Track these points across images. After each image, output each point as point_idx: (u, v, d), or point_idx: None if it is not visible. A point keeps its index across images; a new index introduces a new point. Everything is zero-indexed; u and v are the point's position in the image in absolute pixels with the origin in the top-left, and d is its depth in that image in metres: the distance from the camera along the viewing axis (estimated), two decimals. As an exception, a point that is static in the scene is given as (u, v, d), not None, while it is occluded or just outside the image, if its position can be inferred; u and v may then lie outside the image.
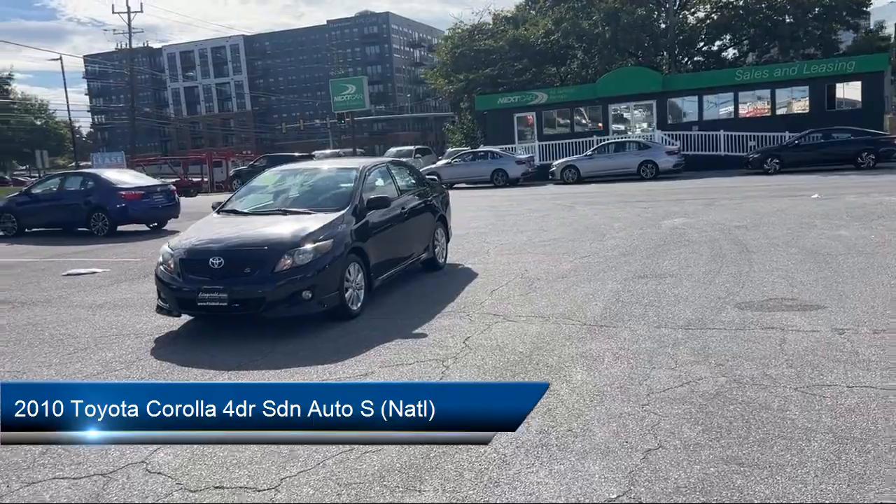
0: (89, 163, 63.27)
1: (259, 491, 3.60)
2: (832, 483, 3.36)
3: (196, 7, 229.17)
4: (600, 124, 32.26)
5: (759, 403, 4.37)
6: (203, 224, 7.65)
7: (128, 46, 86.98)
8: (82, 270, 11.10)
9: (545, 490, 3.46)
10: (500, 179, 28.47)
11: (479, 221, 15.37)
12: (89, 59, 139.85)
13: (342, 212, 7.33)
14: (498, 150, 30.08)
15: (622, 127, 32.41)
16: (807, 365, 5.01)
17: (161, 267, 6.92)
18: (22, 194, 18.18)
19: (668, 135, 29.90)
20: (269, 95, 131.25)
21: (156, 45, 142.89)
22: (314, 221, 7.08)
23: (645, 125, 31.77)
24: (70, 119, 60.21)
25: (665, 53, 38.94)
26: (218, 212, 7.93)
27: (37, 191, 17.90)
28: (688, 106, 31.32)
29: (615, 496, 3.37)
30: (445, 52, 44.72)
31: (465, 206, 19.63)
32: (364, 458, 3.86)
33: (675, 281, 8.08)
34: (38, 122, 71.08)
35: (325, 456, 3.90)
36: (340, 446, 3.86)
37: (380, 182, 8.39)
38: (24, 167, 78.43)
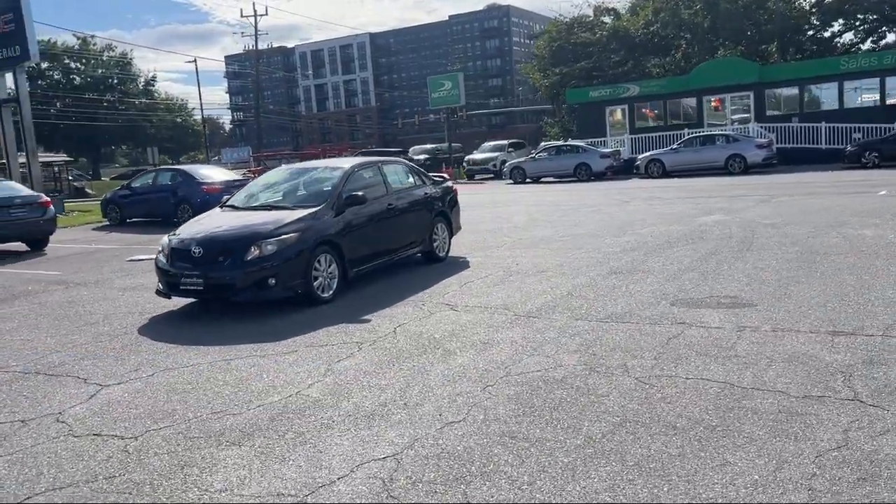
0: (218, 157, 67.85)
1: None
2: (573, 459, 3.73)
3: (333, 6, 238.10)
4: (694, 117, 31.43)
5: (589, 389, 4.74)
6: (203, 217, 8.66)
7: (268, 46, 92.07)
8: (143, 257, 12.49)
9: (335, 448, 4.05)
10: (583, 173, 28.47)
11: (523, 216, 15.78)
12: (230, 60, 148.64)
13: (317, 208, 8.10)
14: (582, 143, 30.03)
15: (717, 119, 31.43)
16: (672, 358, 5.28)
17: (159, 254, 7.96)
18: (123, 188, 20.27)
19: (766, 127, 28.80)
20: (391, 91, 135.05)
21: (290, 45, 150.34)
22: (288, 216, 7.90)
23: (741, 117, 30.66)
24: (203, 117, 64.82)
25: (775, 42, 37.16)
26: (221, 206, 8.91)
27: (136, 185, 19.89)
28: (787, 97, 29.97)
29: (383, 455, 3.92)
30: (543, 47, 44.77)
31: (526, 201, 20.01)
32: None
33: (642, 276, 8.30)
34: (178, 120, 76.52)
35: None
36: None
37: (368, 180, 9.09)
38: (171, 161, 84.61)
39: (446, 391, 4.89)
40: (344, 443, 4.14)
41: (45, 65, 71.55)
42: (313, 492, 3.56)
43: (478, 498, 3.39)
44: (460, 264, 9.94)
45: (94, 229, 19.41)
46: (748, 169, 25.62)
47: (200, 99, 72.51)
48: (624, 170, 29.04)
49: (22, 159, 24.20)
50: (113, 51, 73.07)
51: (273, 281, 7.39)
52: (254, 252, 7.38)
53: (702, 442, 3.84)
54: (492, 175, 35.65)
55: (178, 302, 8.25)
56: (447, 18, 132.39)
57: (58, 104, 69.43)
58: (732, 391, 4.55)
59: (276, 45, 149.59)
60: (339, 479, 3.68)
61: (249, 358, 6.02)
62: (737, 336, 5.72)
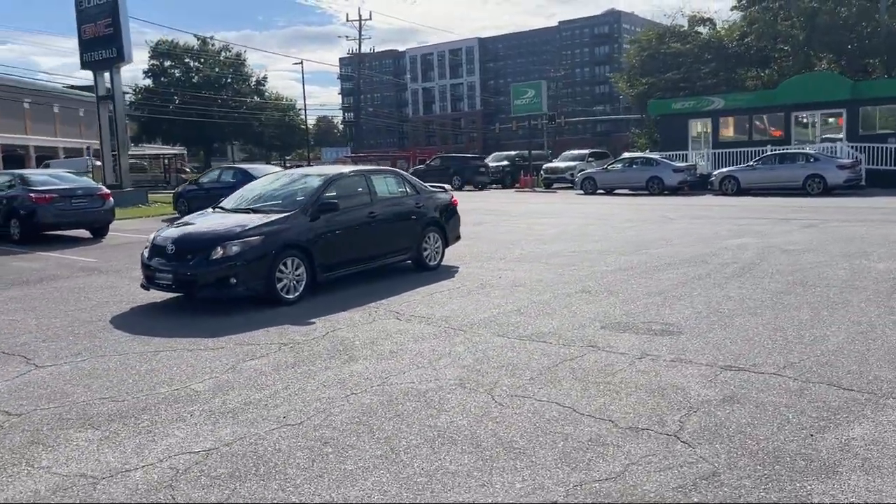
0: (319, 157, 70.30)
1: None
2: (358, 467, 3.96)
3: (457, 6, 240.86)
4: (780, 132, 30.13)
5: (438, 404, 4.91)
6: (193, 216, 9.31)
7: (370, 51, 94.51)
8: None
9: (168, 439, 4.44)
10: (655, 187, 27.88)
11: (555, 229, 15.78)
12: (344, 62, 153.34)
13: (288, 213, 8.57)
14: (657, 156, 29.40)
15: (806, 136, 30.00)
16: (546, 380, 5.37)
17: (144, 250, 8.64)
18: (191, 183, 21.59)
19: (857, 147, 27.29)
20: (497, 96, 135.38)
21: (402, 48, 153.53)
22: (258, 220, 8.40)
23: (831, 136, 29.13)
24: (305, 117, 67.46)
25: (881, 57, 34.95)
26: (213, 208, 9.52)
27: (203, 180, 21.16)
28: (884, 114, 28.25)
29: (199, 450, 4.27)
30: (634, 55, 43.91)
31: (575, 213, 19.90)
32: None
33: (605, 297, 8.30)
34: (286, 119, 79.77)
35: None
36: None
37: (350, 189, 9.49)
38: (288, 158, 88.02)
39: (312, 396, 5.19)
40: (179, 435, 4.51)
41: (167, 63, 76.25)
42: (110, 477, 3.94)
43: (238, 496, 3.68)
44: (445, 274, 10.17)
45: (163, 220, 20.77)
46: (829, 190, 24.40)
47: (304, 100, 75.78)
48: (699, 185, 28.24)
49: (136, 150, 26.09)
50: (229, 51, 76.97)
51: (234, 280, 7.89)
52: (218, 252, 7.91)
53: (487, 461, 3.98)
54: (570, 185, 35.36)
55: (163, 295, 8.89)
56: (556, 24, 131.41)
57: (176, 100, 73.81)
58: (567, 416, 4.62)
59: (390, 48, 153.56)
60: (144, 466, 4.05)
61: (178, 351, 6.52)
62: (629, 363, 5.72)
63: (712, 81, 38.86)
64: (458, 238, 11.17)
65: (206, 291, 7.98)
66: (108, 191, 16.26)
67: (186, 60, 76.49)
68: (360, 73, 68.55)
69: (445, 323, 7.29)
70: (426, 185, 11.24)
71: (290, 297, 8.29)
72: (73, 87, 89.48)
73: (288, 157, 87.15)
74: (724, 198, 25.27)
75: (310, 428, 4.55)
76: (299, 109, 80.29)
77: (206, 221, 8.82)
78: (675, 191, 27.81)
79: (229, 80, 76.87)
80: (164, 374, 5.81)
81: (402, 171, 11.09)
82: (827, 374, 5.29)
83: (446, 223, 10.73)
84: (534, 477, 3.78)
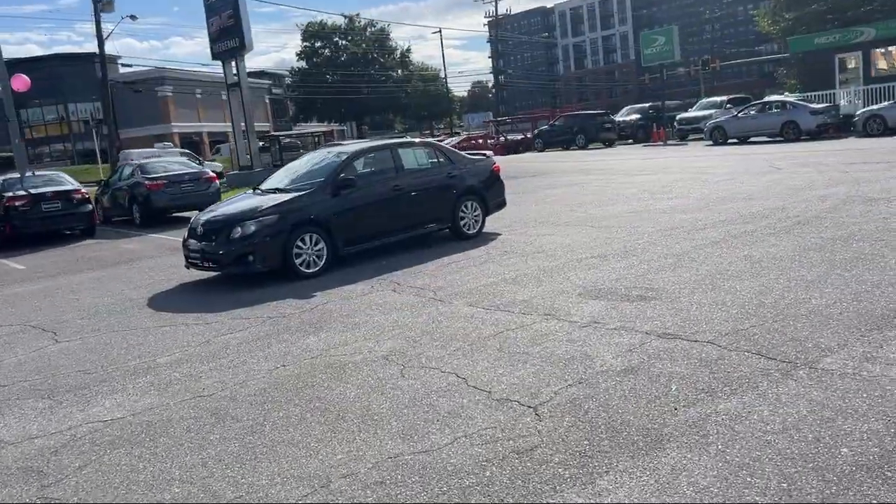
0: (462, 123, 70.95)
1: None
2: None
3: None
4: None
5: (331, 375, 5.15)
6: (232, 198, 9.98)
7: (506, 12, 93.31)
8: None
9: (62, 411, 5.01)
10: (790, 133, 25.81)
11: (635, 188, 15.20)
12: (492, 25, 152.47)
13: (306, 192, 9.01)
14: (792, 99, 27.14)
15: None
16: (464, 351, 5.43)
17: (186, 231, 9.44)
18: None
19: None
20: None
21: (549, 4, 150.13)
22: (277, 199, 8.91)
23: None
24: (446, 85, 68.24)
25: None
26: (254, 189, 10.16)
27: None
28: None
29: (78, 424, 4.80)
30: (779, -11, 40.19)
31: (677, 167, 18.96)
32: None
33: (611, 263, 8.06)
34: (431, 88, 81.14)
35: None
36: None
37: (374, 164, 9.77)
38: (440, 127, 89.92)
39: (245, 368, 5.58)
40: (106, 405, 5.07)
41: (318, 44, 79.74)
42: (16, 443, 4.53)
43: (100, 463, 4.14)
44: (480, 242, 10.21)
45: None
46: None
47: (444, 68, 76.12)
48: (843, 127, 25.79)
49: (296, 129, 27.95)
50: (374, 26, 79.18)
51: (252, 258, 8.46)
52: (237, 232, 8.50)
53: (336, 432, 4.17)
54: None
55: (208, 273, 9.66)
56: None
57: (328, 78, 77.20)
58: (452, 387, 4.69)
59: (538, 5, 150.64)
60: (49, 434, 4.62)
61: (179, 326, 7.17)
62: (568, 332, 5.63)
63: (865, 9, 34.80)
64: (500, 206, 11.14)
65: (228, 269, 8.62)
66: (213, 174, 17.61)
67: (336, 39, 79.51)
68: (496, 34, 67.89)
69: (433, 294, 7.43)
70: (465, 154, 11.27)
71: (310, 271, 8.73)
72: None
73: (440, 126, 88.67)
74: (866, 140, 22.97)
75: (214, 399, 4.94)
76: (446, 78, 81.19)
77: (236, 203, 9.46)
78: (815, 135, 25.58)
79: (375, 55, 79.14)
80: (145, 348, 6.44)
81: (435, 143, 11.18)
82: (763, 342, 4.94)
83: (486, 191, 10.73)
84: (362, 448, 3.93)
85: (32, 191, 15.24)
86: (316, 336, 6.27)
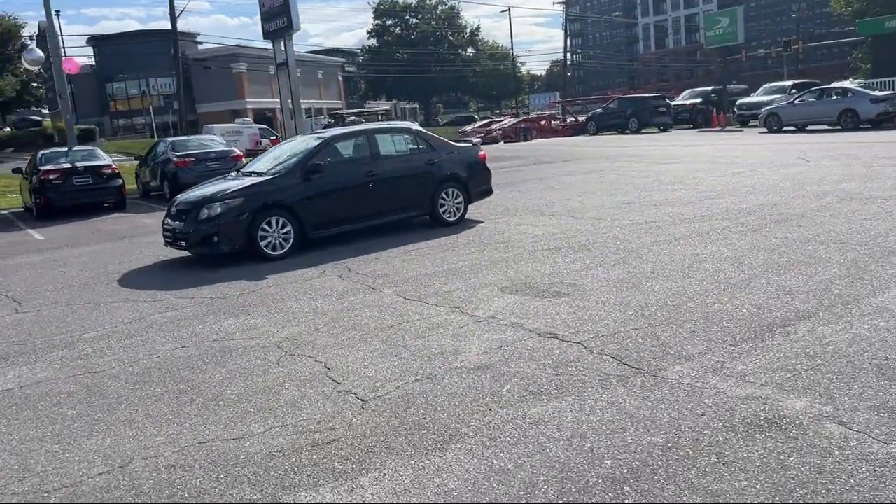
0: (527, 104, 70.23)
1: None
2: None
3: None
4: None
5: (206, 356, 5.39)
6: (211, 180, 10.33)
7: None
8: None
9: (-6, 378, 5.40)
10: (848, 121, 24.62)
11: (655, 176, 14.90)
12: (571, 3, 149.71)
13: (275, 176, 9.26)
14: (852, 86, 25.76)
15: None
16: (337, 343, 5.58)
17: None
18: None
19: None
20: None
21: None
22: (246, 182, 9.19)
23: None
24: (513, 64, 67.49)
25: None
26: (237, 171, 10.49)
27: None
28: None
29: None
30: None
31: (707, 157, 18.45)
32: None
33: (559, 256, 8.03)
34: (501, 67, 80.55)
35: None
36: None
37: (347, 151, 9.94)
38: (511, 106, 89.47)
39: (147, 349, 5.85)
40: (7, 377, 5.44)
41: (388, 22, 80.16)
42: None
43: (-38, 426, 4.49)
44: (456, 229, 10.27)
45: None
46: None
47: (512, 46, 74.37)
48: (905, 116, 24.42)
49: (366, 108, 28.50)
50: (444, 4, 79.00)
51: (217, 238, 8.79)
52: (204, 213, 8.84)
53: (146, 416, 4.40)
54: (765, 122, 32.18)
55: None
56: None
57: (398, 56, 77.63)
58: (279, 378, 4.85)
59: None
60: (-52, 399, 5.02)
61: (129, 302, 7.56)
62: (457, 328, 5.69)
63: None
64: (485, 193, 11.14)
65: (196, 248, 8.97)
66: (239, 153, 18.14)
67: (406, 18, 79.74)
68: (567, 12, 66.64)
69: (371, 281, 7.57)
70: (449, 141, 11.29)
71: (276, 253, 9.00)
72: (315, 52, 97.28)
73: (511, 105, 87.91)
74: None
75: (100, 376, 5.24)
76: (517, 56, 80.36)
77: (211, 185, 9.80)
78: (876, 124, 24.32)
79: (445, 34, 79.03)
80: (83, 323, 6.83)
81: (417, 128, 11.20)
82: (630, 346, 4.90)
83: (469, 179, 10.75)
84: (184, 431, 4.14)
85: (65, 165, 16.08)
86: (235, 319, 6.51)
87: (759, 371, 4.29)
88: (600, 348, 4.92)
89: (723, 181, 13.23)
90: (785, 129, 26.81)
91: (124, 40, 77.46)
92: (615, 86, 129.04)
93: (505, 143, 36.48)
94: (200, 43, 74.63)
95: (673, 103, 35.82)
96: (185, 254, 9.92)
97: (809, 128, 26.42)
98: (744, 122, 32.78)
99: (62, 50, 59.44)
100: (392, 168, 10.05)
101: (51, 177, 15.78)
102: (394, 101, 74.37)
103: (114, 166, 16.80)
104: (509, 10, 71.60)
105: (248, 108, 75.19)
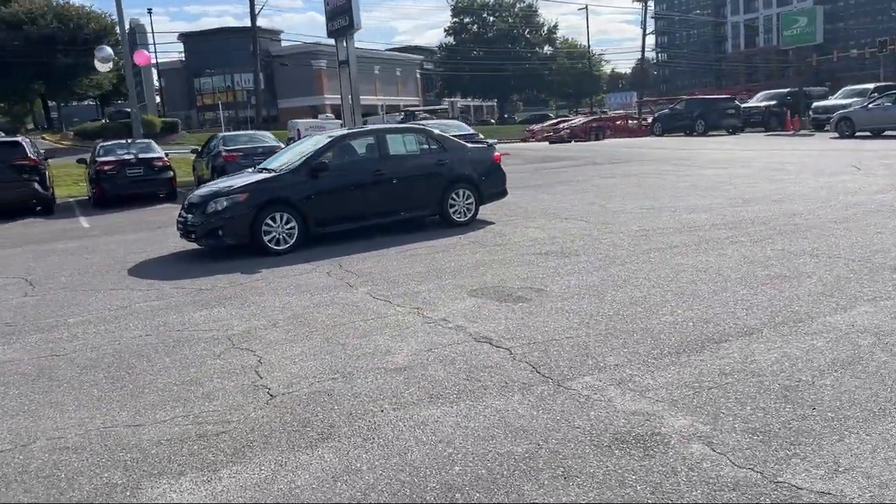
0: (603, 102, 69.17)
1: None
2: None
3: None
4: None
5: (156, 347, 5.64)
6: (231, 174, 10.69)
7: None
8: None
9: None
10: (926, 128, 23.28)
11: (689, 182, 14.55)
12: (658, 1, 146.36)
13: (282, 173, 9.54)
14: (932, 90, 24.30)
15: None
16: (319, 333, 5.74)
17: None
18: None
19: None
20: (835, 22, 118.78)
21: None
22: (255, 178, 9.51)
23: None
24: (589, 63, 66.60)
25: None
26: (254, 167, 10.83)
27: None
28: None
29: None
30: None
31: (758, 162, 17.82)
32: None
33: (541, 261, 8.00)
34: (579, 66, 79.65)
35: None
36: None
37: (355, 150, 10.12)
38: (575, 108, 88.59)
39: (115, 336, 6.17)
40: None
41: (466, 19, 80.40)
42: None
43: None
44: (463, 230, 10.29)
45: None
46: None
47: (588, 45, 73.03)
48: None
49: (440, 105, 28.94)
50: (522, 2, 78.65)
51: (221, 232, 9.12)
52: (211, 207, 9.19)
53: (52, 404, 4.66)
54: (842, 126, 30.75)
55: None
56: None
57: (475, 54, 77.79)
58: (227, 367, 5.04)
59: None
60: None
61: (126, 290, 7.94)
62: (410, 327, 5.78)
63: None
64: (498, 195, 11.14)
65: (203, 241, 9.33)
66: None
67: (484, 15, 79.79)
68: (645, 9, 65.11)
69: (353, 279, 7.72)
70: (461, 142, 11.32)
71: (279, 248, 9.26)
72: (394, 49, 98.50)
73: (590, 104, 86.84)
74: None
75: (58, 359, 5.57)
76: (600, 54, 79.28)
77: (225, 180, 10.15)
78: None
79: (521, 32, 78.72)
80: (75, 308, 7.23)
81: (430, 130, 11.25)
82: (553, 355, 4.89)
83: (481, 180, 10.78)
84: (97, 416, 4.37)
85: (120, 157, 16.92)
86: (208, 311, 6.77)
87: (663, 387, 4.22)
88: (524, 355, 4.91)
89: (758, 188, 12.80)
90: (858, 134, 25.56)
91: (212, 37, 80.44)
92: (701, 85, 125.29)
93: (574, 142, 36.13)
94: (281, 41, 76.63)
95: (745, 105, 34.60)
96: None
97: (887, 133, 25.11)
98: (818, 127, 31.39)
99: (153, 46, 62.15)
100: (400, 168, 10.17)
101: (106, 168, 16.63)
102: (453, 100, 74.43)
103: (165, 159, 17.56)
104: (587, 7, 70.41)
105: (326, 103, 76.81)
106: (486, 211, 11.56)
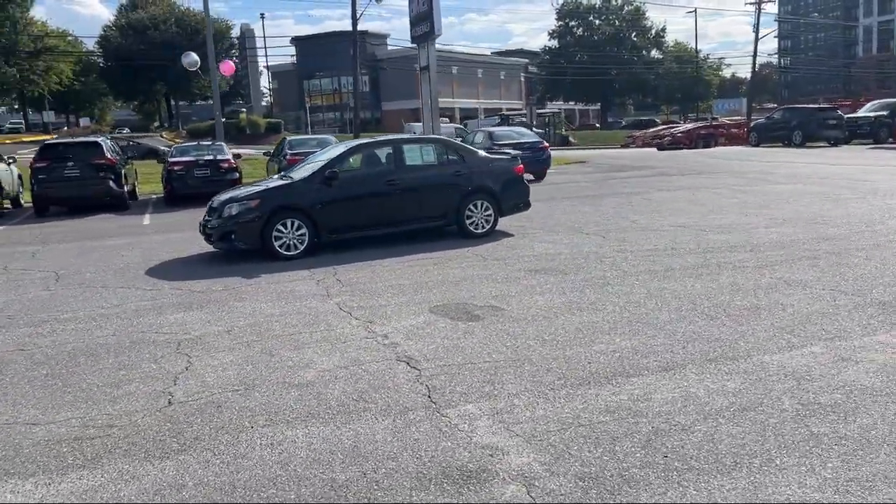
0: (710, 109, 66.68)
1: None
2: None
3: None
4: None
5: (112, 347, 5.95)
6: (256, 181, 11.07)
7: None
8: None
9: (-47, 346, 6.34)
10: None
11: (742, 199, 13.89)
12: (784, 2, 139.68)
13: (296, 181, 9.82)
14: None
15: None
16: (264, 343, 5.93)
17: (208, 207, 10.73)
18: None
19: None
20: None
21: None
22: (269, 185, 9.84)
23: None
24: (696, 67, 64.28)
25: None
26: (278, 175, 11.17)
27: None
28: None
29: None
30: None
31: (833, 180, 16.77)
32: None
33: (526, 279, 7.89)
34: (688, 70, 77.15)
35: None
36: None
37: (369, 159, 10.26)
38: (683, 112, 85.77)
39: (86, 333, 6.54)
40: None
41: (572, 23, 79.48)
42: None
43: None
44: (477, 242, 10.24)
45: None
46: None
47: (696, 48, 69.40)
48: None
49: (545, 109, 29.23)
50: (630, 5, 76.95)
51: (234, 236, 9.50)
52: (226, 212, 9.58)
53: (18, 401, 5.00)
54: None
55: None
56: None
57: (578, 58, 76.81)
58: (145, 373, 5.27)
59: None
60: None
61: (131, 290, 8.37)
62: (351, 340, 5.86)
63: None
64: (519, 207, 11.00)
65: (217, 245, 9.73)
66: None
67: (590, 19, 78.62)
68: (757, 13, 62.11)
69: (336, 289, 7.84)
70: (485, 154, 11.25)
71: (289, 253, 9.54)
72: (500, 52, 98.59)
73: (702, 111, 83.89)
74: None
75: (20, 354, 5.96)
76: (715, 59, 76.63)
77: (249, 186, 10.52)
78: None
79: (630, 35, 77.04)
80: (73, 304, 7.71)
81: (449, 140, 11.21)
82: (458, 379, 4.84)
83: (501, 192, 10.69)
84: (7, 411, 4.70)
85: (189, 158, 17.84)
86: (183, 314, 7.07)
87: (535, 420, 4.11)
88: (430, 378, 4.89)
89: (809, 208, 12.09)
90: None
91: (321, 40, 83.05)
92: (827, 91, 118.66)
93: (679, 149, 35.23)
94: (387, 45, 78.21)
95: (851, 115, 32.50)
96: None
97: None
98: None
99: (263, 50, 64.76)
100: (414, 178, 10.24)
101: (175, 168, 17.58)
102: (581, 104, 73.55)
103: (232, 161, 18.36)
104: (695, 11, 67.97)
105: (427, 106, 77.82)
106: (511, 223, 11.46)
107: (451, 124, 52.34)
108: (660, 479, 3.38)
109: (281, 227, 9.50)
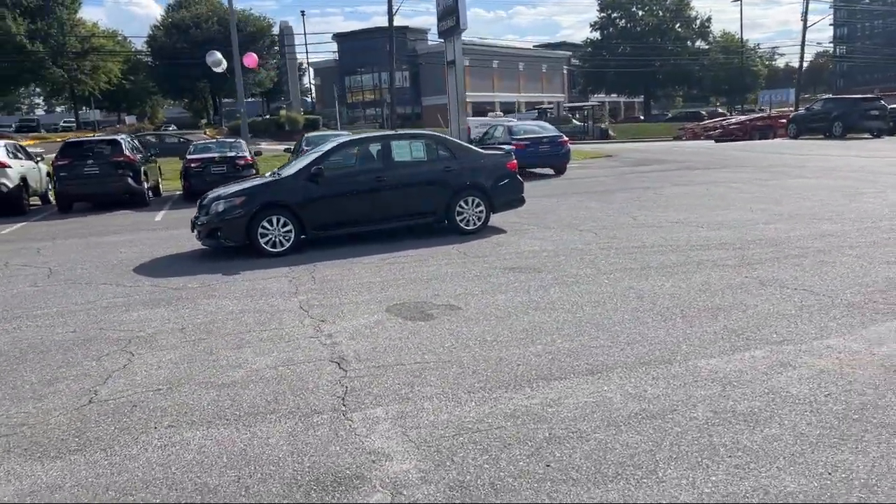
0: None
1: None
2: None
3: None
4: None
5: (78, 342, 6.03)
6: (249, 178, 11.12)
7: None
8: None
9: (-80, 342, 6.51)
10: None
11: (754, 194, 13.48)
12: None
13: (283, 178, 9.84)
14: None
15: None
16: (209, 340, 5.95)
17: (199, 204, 10.81)
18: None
19: None
20: None
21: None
22: (255, 182, 9.87)
23: None
24: (741, 58, 62.65)
25: None
26: (271, 173, 11.21)
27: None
28: None
29: None
30: None
31: (860, 175, 16.17)
32: None
33: (500, 276, 7.76)
34: (735, 61, 75.34)
35: None
36: None
37: (357, 156, 10.21)
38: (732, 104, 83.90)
39: (58, 328, 6.66)
40: None
41: (614, 14, 78.35)
42: None
43: None
44: (466, 238, 10.12)
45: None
46: None
47: (742, 39, 67.02)
48: None
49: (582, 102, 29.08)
50: (675, -5, 75.47)
51: (219, 233, 9.56)
52: (214, 209, 9.65)
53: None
54: None
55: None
56: None
57: (621, 49, 75.68)
58: (89, 372, 5.32)
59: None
60: None
61: (112, 286, 8.48)
62: (297, 339, 5.84)
63: None
64: (512, 203, 10.83)
65: (204, 241, 9.79)
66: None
67: (633, 10, 77.38)
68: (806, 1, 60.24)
69: (306, 287, 7.80)
70: (477, 149, 11.10)
71: (275, 250, 9.55)
72: (542, 45, 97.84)
73: (751, 103, 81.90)
74: None
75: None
76: (757, 48, 74.72)
77: (238, 183, 10.58)
78: None
79: (674, 26, 75.58)
80: (52, 300, 7.82)
81: (442, 136, 11.07)
82: (384, 382, 4.76)
83: (493, 188, 10.55)
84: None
85: (207, 155, 18.07)
86: (149, 311, 7.13)
87: (431, 426, 4.00)
88: (354, 379, 4.82)
89: (816, 204, 11.65)
90: None
91: (362, 36, 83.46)
92: (884, 81, 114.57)
93: (732, 141, 34.65)
94: (427, 40, 78.18)
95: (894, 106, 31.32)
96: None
97: None
98: None
99: (305, 47, 65.36)
100: (403, 174, 10.16)
101: (192, 165, 17.84)
102: (624, 96, 72.56)
103: (249, 158, 18.54)
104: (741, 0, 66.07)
105: (467, 101, 77.55)
106: (507, 218, 11.32)
107: (505, 118, 52.00)
108: (530, 490, 3.25)
109: (266, 224, 9.52)
